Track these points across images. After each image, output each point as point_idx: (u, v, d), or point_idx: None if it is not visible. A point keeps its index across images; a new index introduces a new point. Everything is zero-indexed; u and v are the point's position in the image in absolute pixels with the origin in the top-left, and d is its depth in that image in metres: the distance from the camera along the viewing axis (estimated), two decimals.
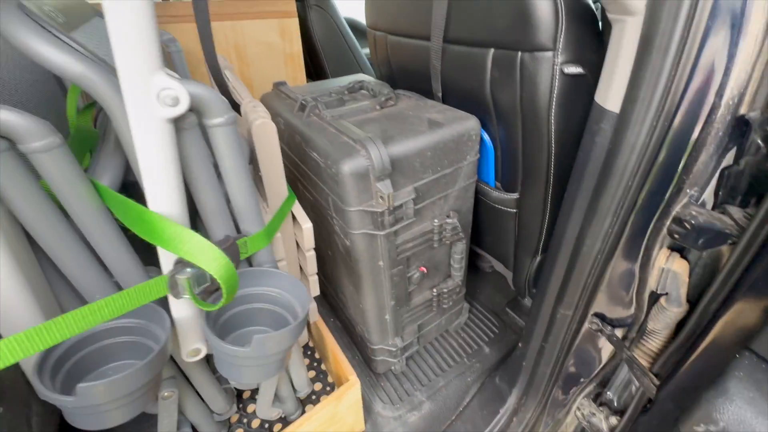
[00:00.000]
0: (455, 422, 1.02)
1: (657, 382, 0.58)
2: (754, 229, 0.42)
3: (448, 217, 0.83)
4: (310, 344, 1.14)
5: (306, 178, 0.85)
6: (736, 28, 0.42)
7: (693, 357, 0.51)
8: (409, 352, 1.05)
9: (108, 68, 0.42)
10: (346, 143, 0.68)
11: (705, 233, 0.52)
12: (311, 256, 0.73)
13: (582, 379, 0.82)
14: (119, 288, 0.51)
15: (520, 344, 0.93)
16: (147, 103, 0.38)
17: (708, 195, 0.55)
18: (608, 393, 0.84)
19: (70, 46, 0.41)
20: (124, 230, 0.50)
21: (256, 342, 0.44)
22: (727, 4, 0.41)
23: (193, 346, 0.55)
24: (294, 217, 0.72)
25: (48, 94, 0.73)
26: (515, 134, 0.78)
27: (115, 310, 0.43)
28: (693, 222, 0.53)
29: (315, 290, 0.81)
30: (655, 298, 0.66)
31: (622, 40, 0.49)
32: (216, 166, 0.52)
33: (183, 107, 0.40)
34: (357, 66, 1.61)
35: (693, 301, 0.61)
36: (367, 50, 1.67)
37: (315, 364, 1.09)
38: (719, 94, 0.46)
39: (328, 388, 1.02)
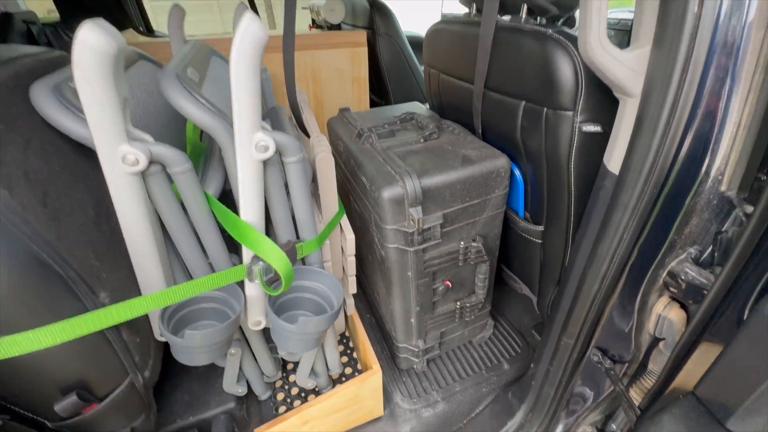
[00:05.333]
0: (466, 426, 1.12)
1: (638, 413, 0.64)
2: (717, 289, 0.49)
3: (473, 240, 0.94)
4: (347, 334, 1.31)
5: (356, 194, 1.01)
6: (719, 119, 0.49)
7: (665, 393, 0.58)
8: (430, 355, 1.17)
9: (226, 119, 0.61)
10: (389, 173, 0.82)
11: (692, 289, 0.58)
12: (352, 260, 0.89)
13: (585, 406, 0.88)
14: (212, 269, 0.71)
15: (532, 364, 1.00)
16: (249, 150, 0.56)
17: (709, 254, 0.61)
18: (612, 425, 0.89)
19: (202, 103, 0.61)
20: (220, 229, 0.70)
21: (301, 322, 0.61)
22: (708, 99, 0.48)
23: (256, 318, 0.74)
24: (341, 228, 0.89)
25: (177, 120, 0.98)
26: (541, 175, 0.86)
27: (210, 285, 0.62)
28: (682, 277, 0.59)
29: (352, 288, 0.97)
30: (657, 340, 0.71)
31: (624, 115, 0.58)
32: (286, 187, 0.70)
33: (271, 152, 0.57)
34: (417, 88, 1.75)
35: None
36: None
37: (348, 351, 1.26)
38: (707, 171, 0.52)
39: (356, 374, 1.18)
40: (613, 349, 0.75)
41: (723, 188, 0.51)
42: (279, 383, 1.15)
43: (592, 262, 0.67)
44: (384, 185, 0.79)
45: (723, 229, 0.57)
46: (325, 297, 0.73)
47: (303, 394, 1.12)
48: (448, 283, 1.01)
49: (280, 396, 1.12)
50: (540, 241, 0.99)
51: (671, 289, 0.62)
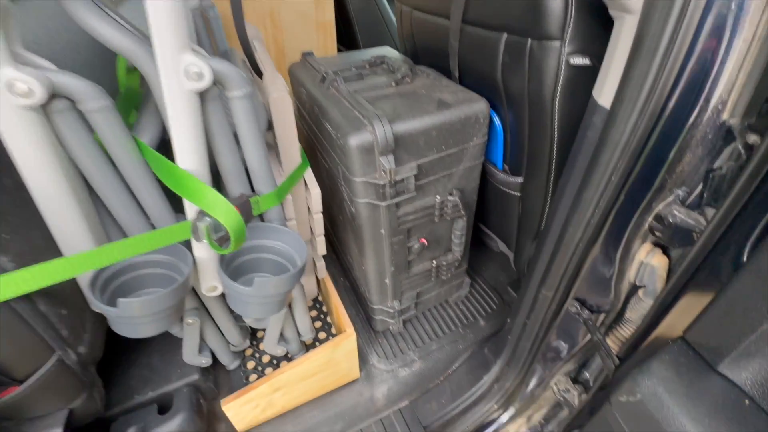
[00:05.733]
0: (443, 383, 1.11)
1: (617, 362, 0.63)
2: (710, 231, 0.45)
3: (450, 194, 0.88)
4: (320, 298, 1.25)
5: (322, 147, 0.91)
6: (727, 34, 0.42)
7: (646, 342, 0.56)
8: (406, 316, 1.14)
9: (148, 42, 0.50)
10: (356, 118, 0.73)
11: (679, 232, 0.54)
12: (318, 218, 0.81)
13: (560, 358, 0.88)
14: (154, 228, 0.61)
15: (508, 319, 0.99)
16: (176, 77, 0.45)
17: (697, 195, 0.57)
18: (585, 373, 0.90)
19: (118, 22, 0.48)
20: (159, 181, 0.59)
21: (257, 284, 0.54)
22: (718, 11, 0.41)
23: (210, 284, 0.66)
24: (306, 183, 0.80)
25: (105, 54, 0.83)
26: (522, 120, 0.80)
27: (148, 245, 0.53)
28: (671, 220, 0.55)
29: (321, 249, 0.90)
30: (636, 288, 0.69)
31: (620, 36, 0.50)
32: (236, 133, 0.59)
33: (206, 82, 0.47)
34: (389, 36, 1.61)
35: None
36: None
37: (322, 316, 1.21)
38: (707, 98, 0.47)
39: (330, 338, 1.14)
40: (592, 299, 0.73)
41: (725, 116, 0.46)
42: (249, 351, 1.09)
43: (576, 208, 0.62)
44: (351, 131, 0.70)
45: (714, 167, 0.53)
46: (287, 257, 0.65)
47: (275, 362, 1.07)
48: (423, 240, 0.96)
49: (251, 364, 1.07)
50: (518, 194, 0.94)
51: (656, 233, 0.59)
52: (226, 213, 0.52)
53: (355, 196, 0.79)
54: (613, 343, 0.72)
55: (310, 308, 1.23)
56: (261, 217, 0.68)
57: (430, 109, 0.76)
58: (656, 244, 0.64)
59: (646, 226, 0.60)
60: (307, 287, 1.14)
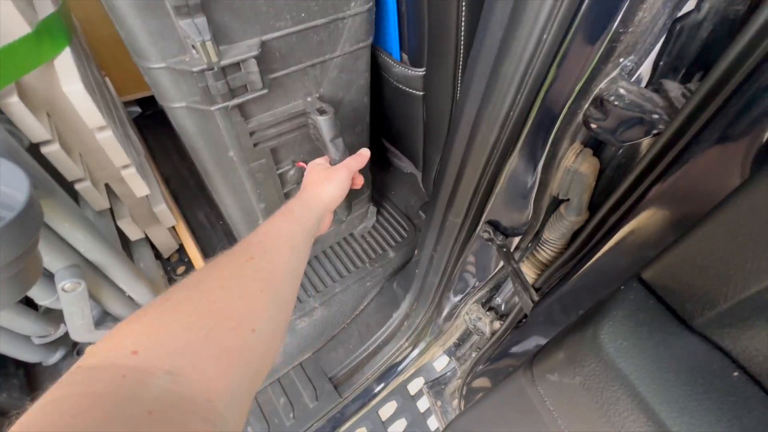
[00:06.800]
0: (349, 326, 0.98)
1: (536, 299, 0.51)
2: (688, 114, 0.28)
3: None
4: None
5: None
6: None
7: (574, 277, 0.42)
8: None
9: None
10: None
11: (627, 120, 0.38)
12: (105, 138, 0.50)
13: (471, 288, 0.77)
14: None
15: (416, 251, 0.84)
16: None
17: (648, 66, 0.40)
18: (497, 299, 0.81)
19: None
20: None
21: None
22: None
23: None
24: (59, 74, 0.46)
25: None
26: None
27: None
28: (616, 103, 0.38)
29: (140, 189, 0.60)
30: (557, 203, 0.55)
31: None
32: None
33: None
34: None
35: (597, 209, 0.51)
36: None
37: (191, 270, 0.95)
38: None
39: None
40: (506, 222, 0.59)
41: None
42: None
43: (489, 100, 0.42)
44: None
45: (682, 14, 0.35)
46: (4, 203, 0.36)
47: None
48: (301, 164, 0.71)
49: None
50: (422, 93, 0.72)
51: (593, 125, 0.42)
52: None
53: (164, 98, 0.48)
54: (529, 270, 0.60)
55: (176, 262, 0.95)
56: None
57: None
58: (586, 144, 0.48)
59: (580, 117, 0.43)
60: (158, 240, 0.84)
